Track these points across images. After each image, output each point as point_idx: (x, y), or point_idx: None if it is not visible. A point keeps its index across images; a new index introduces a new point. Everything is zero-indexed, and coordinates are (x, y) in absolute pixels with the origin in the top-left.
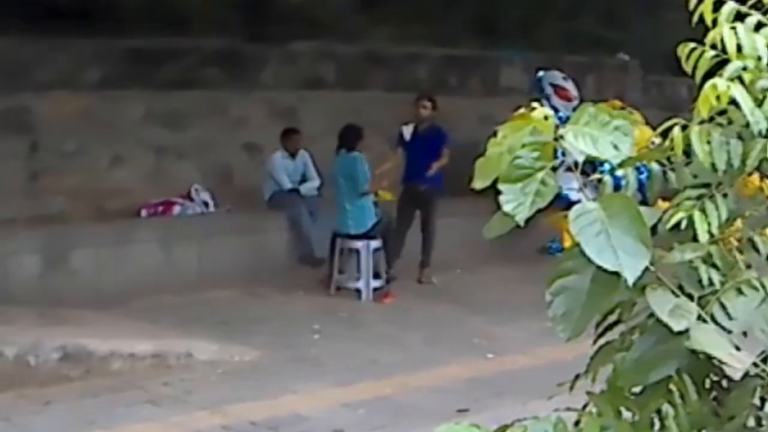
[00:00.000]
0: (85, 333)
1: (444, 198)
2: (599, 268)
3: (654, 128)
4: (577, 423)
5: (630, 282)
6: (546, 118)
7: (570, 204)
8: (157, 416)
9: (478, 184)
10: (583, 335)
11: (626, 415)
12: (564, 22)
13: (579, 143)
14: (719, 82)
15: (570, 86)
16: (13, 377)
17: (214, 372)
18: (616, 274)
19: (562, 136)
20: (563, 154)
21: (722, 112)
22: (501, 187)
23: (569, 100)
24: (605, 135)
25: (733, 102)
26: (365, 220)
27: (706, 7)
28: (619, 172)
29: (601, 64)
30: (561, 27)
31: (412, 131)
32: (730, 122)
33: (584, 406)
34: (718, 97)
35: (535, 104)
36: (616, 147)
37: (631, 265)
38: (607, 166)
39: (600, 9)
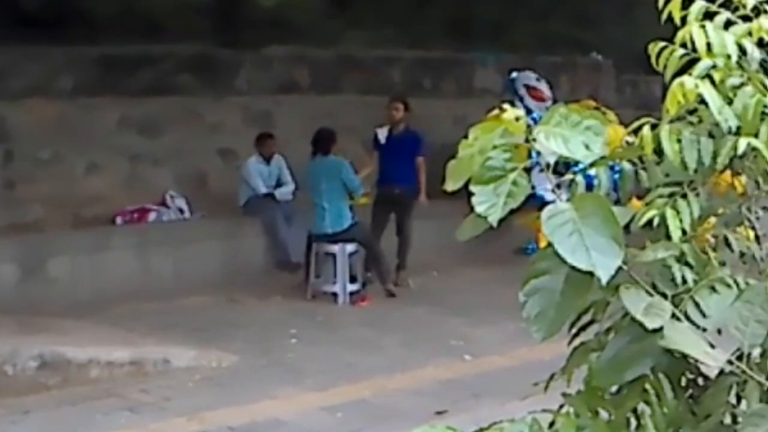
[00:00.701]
0: (63, 341)
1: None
2: (573, 268)
3: (628, 127)
4: (551, 424)
5: (603, 281)
6: (517, 119)
7: (545, 204)
8: (136, 423)
9: (450, 185)
10: (558, 335)
11: (603, 415)
12: (537, 23)
13: (551, 144)
14: (686, 80)
15: (543, 87)
16: None
17: (192, 378)
18: (590, 273)
19: (534, 137)
20: (538, 154)
21: (693, 111)
22: (473, 188)
23: (543, 100)
24: (576, 135)
25: (703, 100)
26: (342, 220)
27: (675, 6)
28: (592, 172)
29: (575, 64)
30: (534, 28)
31: (387, 134)
32: (700, 120)
33: (560, 407)
34: (685, 95)
35: (506, 105)
36: (587, 147)
37: (604, 265)
38: (580, 166)
39: (573, 9)
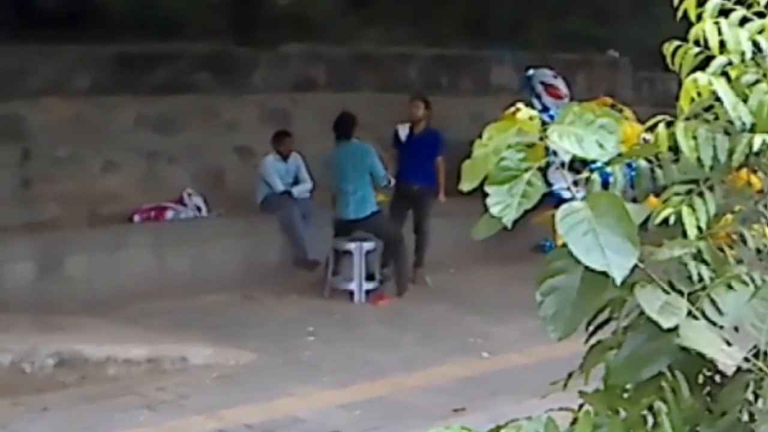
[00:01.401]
0: (80, 339)
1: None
2: (588, 267)
3: (644, 125)
4: (574, 422)
5: (618, 281)
6: (531, 118)
7: (561, 201)
8: (153, 421)
9: (466, 186)
10: (576, 333)
11: (621, 413)
12: (554, 20)
13: (564, 143)
14: (700, 77)
15: (560, 84)
16: (9, 385)
17: (209, 376)
18: (606, 272)
19: (547, 136)
20: (554, 152)
21: (709, 108)
22: (488, 189)
23: (560, 97)
24: (590, 134)
25: (718, 98)
26: (366, 206)
27: (690, 3)
28: (609, 169)
29: (592, 61)
30: (551, 25)
31: (408, 132)
32: (716, 118)
33: (580, 406)
34: (699, 92)
35: (520, 105)
36: (601, 146)
37: (618, 264)
38: (597, 164)
39: (589, 6)
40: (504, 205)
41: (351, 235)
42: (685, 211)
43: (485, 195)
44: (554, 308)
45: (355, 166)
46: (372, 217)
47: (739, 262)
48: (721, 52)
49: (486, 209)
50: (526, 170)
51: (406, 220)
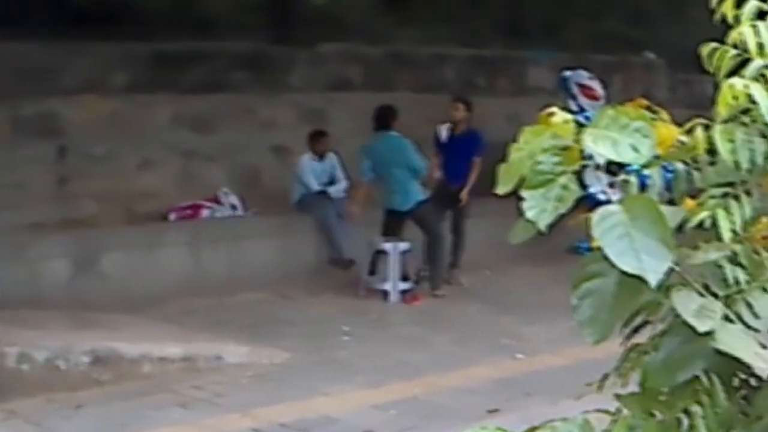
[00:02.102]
0: (115, 336)
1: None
2: (624, 271)
3: (681, 127)
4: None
5: (653, 285)
6: (566, 122)
7: (597, 203)
8: (188, 419)
9: (501, 189)
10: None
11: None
12: (590, 22)
13: (599, 147)
14: (737, 81)
15: (596, 85)
16: (44, 382)
17: (244, 375)
18: (641, 276)
19: (582, 140)
20: (590, 155)
21: (746, 111)
22: (523, 193)
23: (596, 99)
24: (625, 137)
25: (755, 101)
26: (410, 197)
27: (728, 5)
28: (646, 171)
29: (628, 63)
30: (587, 26)
31: (448, 133)
32: (754, 121)
33: (618, 410)
34: (736, 96)
35: (555, 108)
36: (635, 149)
37: (653, 268)
38: (634, 167)
39: (626, 8)
40: (539, 209)
41: (401, 226)
42: (721, 213)
43: (520, 197)
44: (590, 312)
45: (394, 160)
46: (419, 207)
47: None
48: (760, 55)
49: (521, 213)
50: (562, 174)
51: (445, 221)
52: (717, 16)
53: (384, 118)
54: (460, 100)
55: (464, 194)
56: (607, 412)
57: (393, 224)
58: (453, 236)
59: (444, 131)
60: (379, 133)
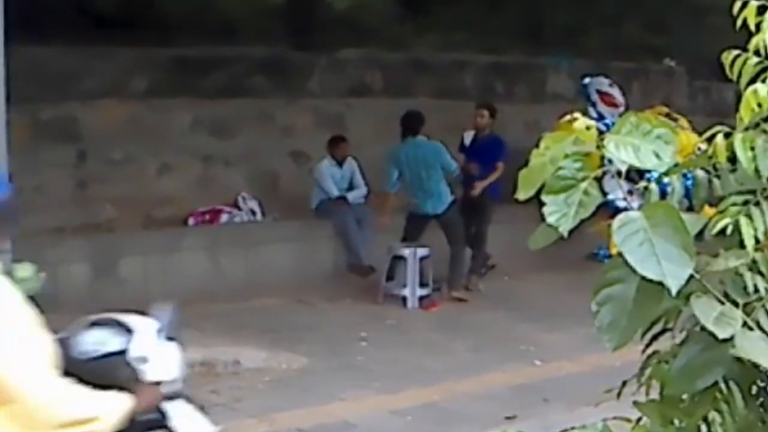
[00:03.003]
0: None
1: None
2: (644, 277)
3: (700, 134)
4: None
5: (673, 291)
6: (588, 128)
7: (617, 211)
8: None
9: (522, 195)
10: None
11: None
12: (610, 29)
13: (621, 153)
14: (760, 88)
15: (616, 92)
16: None
17: (262, 380)
18: (661, 283)
19: (604, 146)
20: (610, 161)
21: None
22: (544, 198)
23: (615, 106)
24: (647, 144)
25: None
26: (443, 200)
27: (750, 12)
28: (666, 179)
29: (647, 70)
30: (607, 33)
31: (472, 139)
32: None
33: (639, 419)
34: (759, 104)
35: (577, 114)
36: (657, 156)
37: (674, 275)
38: (654, 173)
39: (645, 15)
40: (560, 214)
41: (423, 231)
42: (743, 221)
43: (541, 203)
44: (610, 318)
45: (426, 164)
46: (449, 210)
47: None
48: None
49: (542, 219)
50: (583, 180)
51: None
52: (738, 23)
53: (412, 124)
54: (484, 106)
55: (478, 187)
56: (626, 419)
57: (417, 229)
58: (474, 242)
59: (468, 138)
60: (408, 139)
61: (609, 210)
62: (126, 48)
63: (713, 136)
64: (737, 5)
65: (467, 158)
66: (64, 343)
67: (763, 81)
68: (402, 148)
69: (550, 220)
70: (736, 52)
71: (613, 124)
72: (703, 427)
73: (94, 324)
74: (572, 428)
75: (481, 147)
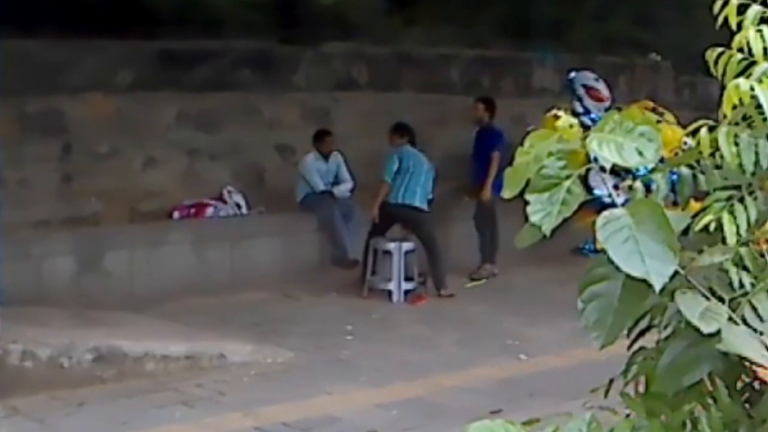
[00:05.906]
0: (119, 334)
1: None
2: (629, 274)
3: (686, 129)
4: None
5: (657, 288)
6: (571, 126)
7: (603, 206)
8: (190, 418)
9: (507, 193)
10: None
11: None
12: (596, 23)
13: (604, 151)
14: (742, 82)
15: (602, 87)
16: (46, 379)
17: (247, 373)
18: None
19: (587, 143)
20: (595, 158)
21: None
22: (528, 197)
23: (601, 100)
24: (630, 142)
25: (760, 104)
26: (426, 200)
27: (731, 11)
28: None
29: (633, 64)
30: (593, 28)
31: (475, 133)
32: (764, 120)
33: (628, 415)
34: (741, 98)
35: (560, 113)
36: (641, 153)
37: (658, 272)
38: (641, 171)
39: (632, 10)
40: (544, 213)
41: (392, 226)
42: (726, 217)
43: (525, 201)
44: (596, 316)
45: (428, 171)
46: (429, 207)
47: None
48: (766, 59)
49: (526, 218)
50: (567, 178)
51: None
52: (719, 21)
53: (412, 138)
54: (479, 100)
55: (485, 193)
56: (612, 411)
57: (388, 223)
58: (477, 233)
59: (473, 133)
60: (414, 147)
61: (595, 205)
62: (112, 41)
63: (698, 130)
64: (718, 3)
65: (472, 153)
66: None
67: (748, 77)
68: (409, 149)
69: (534, 219)
70: (719, 49)
71: (600, 118)
72: (688, 422)
73: None
74: (558, 415)
75: (478, 141)
